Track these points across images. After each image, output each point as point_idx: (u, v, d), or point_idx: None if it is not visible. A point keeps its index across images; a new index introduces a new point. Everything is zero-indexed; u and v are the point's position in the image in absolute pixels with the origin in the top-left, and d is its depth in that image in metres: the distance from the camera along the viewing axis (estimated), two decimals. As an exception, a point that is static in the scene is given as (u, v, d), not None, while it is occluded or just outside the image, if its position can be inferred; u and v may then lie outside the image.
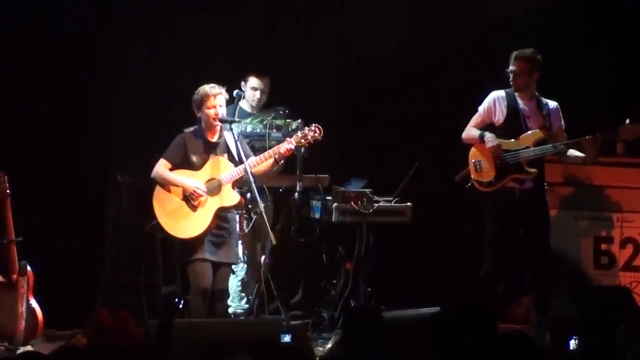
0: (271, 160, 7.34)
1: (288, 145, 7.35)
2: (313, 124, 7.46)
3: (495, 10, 8.96)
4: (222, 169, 7.29)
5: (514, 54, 7.69)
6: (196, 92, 7.34)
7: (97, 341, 5.59)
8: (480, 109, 7.84)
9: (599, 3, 9.07)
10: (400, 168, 8.30)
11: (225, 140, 7.38)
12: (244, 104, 8.57)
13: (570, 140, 7.66)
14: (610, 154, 8.37)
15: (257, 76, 8.61)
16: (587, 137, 7.56)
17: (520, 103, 7.73)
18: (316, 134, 7.43)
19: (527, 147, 7.66)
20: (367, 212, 8.20)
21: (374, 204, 8.23)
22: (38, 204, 8.49)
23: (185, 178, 7.27)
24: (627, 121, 7.54)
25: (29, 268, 7.39)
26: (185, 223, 7.25)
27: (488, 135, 7.71)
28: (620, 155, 8.46)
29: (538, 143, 7.65)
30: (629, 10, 8.94)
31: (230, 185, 7.28)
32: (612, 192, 8.50)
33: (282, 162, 7.45)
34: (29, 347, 7.22)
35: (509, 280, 8.16)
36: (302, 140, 7.42)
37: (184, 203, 7.27)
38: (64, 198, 8.59)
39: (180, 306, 8.05)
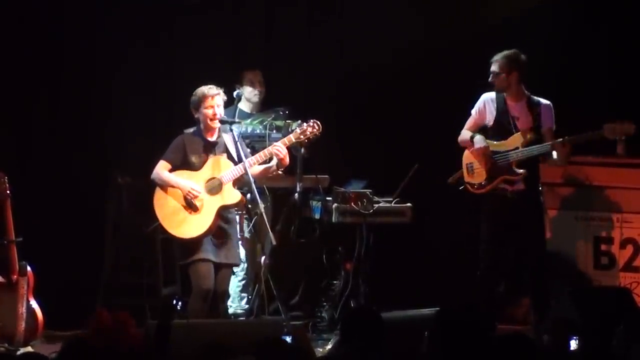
0: (271, 165, 7.34)
1: (280, 145, 7.30)
2: (311, 120, 7.46)
3: (494, 11, 8.96)
4: (222, 167, 7.28)
5: (494, 56, 7.72)
6: (194, 93, 7.35)
7: (97, 342, 5.59)
8: (473, 111, 7.88)
9: (598, 4, 9.07)
10: (401, 168, 8.30)
11: (223, 141, 7.38)
12: (243, 105, 8.57)
13: (546, 143, 7.63)
14: (610, 154, 8.36)
15: (249, 71, 8.64)
16: (558, 140, 7.55)
17: (509, 104, 7.73)
18: (315, 130, 7.42)
19: (516, 148, 7.66)
20: (367, 212, 8.20)
21: (374, 205, 8.23)
22: (38, 204, 8.50)
23: (181, 179, 7.26)
24: (614, 121, 7.54)
25: (29, 268, 7.39)
26: (187, 223, 7.24)
27: (477, 137, 7.74)
28: (620, 155, 8.44)
29: (527, 144, 7.64)
30: (628, 12, 8.93)
31: (231, 183, 7.27)
32: (612, 192, 8.50)
33: (282, 170, 7.45)
34: (29, 348, 7.22)
35: (508, 281, 8.16)
36: (301, 137, 7.41)
37: (185, 204, 7.26)
38: (64, 198, 8.60)
39: (178, 307, 8.05)
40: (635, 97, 8.70)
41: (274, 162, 7.35)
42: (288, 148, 7.41)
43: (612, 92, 9.00)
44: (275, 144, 7.36)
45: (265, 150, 7.36)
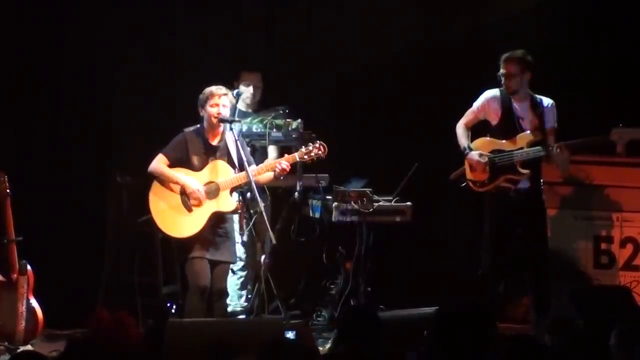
0: (271, 174, 7.35)
1: (286, 163, 7.31)
2: (318, 141, 7.46)
3: (493, 11, 8.97)
4: (222, 173, 7.28)
5: (503, 56, 7.66)
6: (203, 92, 7.35)
7: (97, 341, 5.59)
8: (474, 106, 7.82)
9: (597, 3, 9.07)
10: (400, 167, 8.30)
11: (226, 144, 7.37)
12: (240, 104, 8.57)
13: (549, 145, 7.60)
14: (610, 153, 8.36)
15: (248, 72, 8.65)
16: (553, 146, 7.53)
17: (514, 104, 7.70)
18: (320, 152, 7.44)
19: (521, 148, 7.65)
20: (367, 211, 8.20)
21: (374, 204, 8.23)
22: (38, 203, 8.50)
23: (187, 177, 7.26)
24: (620, 125, 7.56)
25: (29, 268, 7.39)
26: (179, 222, 7.24)
27: (472, 154, 7.68)
28: (619, 154, 8.44)
29: (532, 144, 7.63)
30: (628, 11, 8.93)
31: (228, 191, 7.27)
32: (612, 191, 8.49)
33: (281, 178, 7.46)
34: (28, 347, 7.23)
35: (508, 280, 8.16)
36: (305, 157, 7.43)
37: (180, 202, 7.26)
38: (64, 198, 8.60)
39: (173, 311, 8.07)
40: (635, 97, 8.70)
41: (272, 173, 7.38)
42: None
43: (612, 92, 9.00)
44: (281, 160, 7.37)
45: (271, 163, 7.37)
